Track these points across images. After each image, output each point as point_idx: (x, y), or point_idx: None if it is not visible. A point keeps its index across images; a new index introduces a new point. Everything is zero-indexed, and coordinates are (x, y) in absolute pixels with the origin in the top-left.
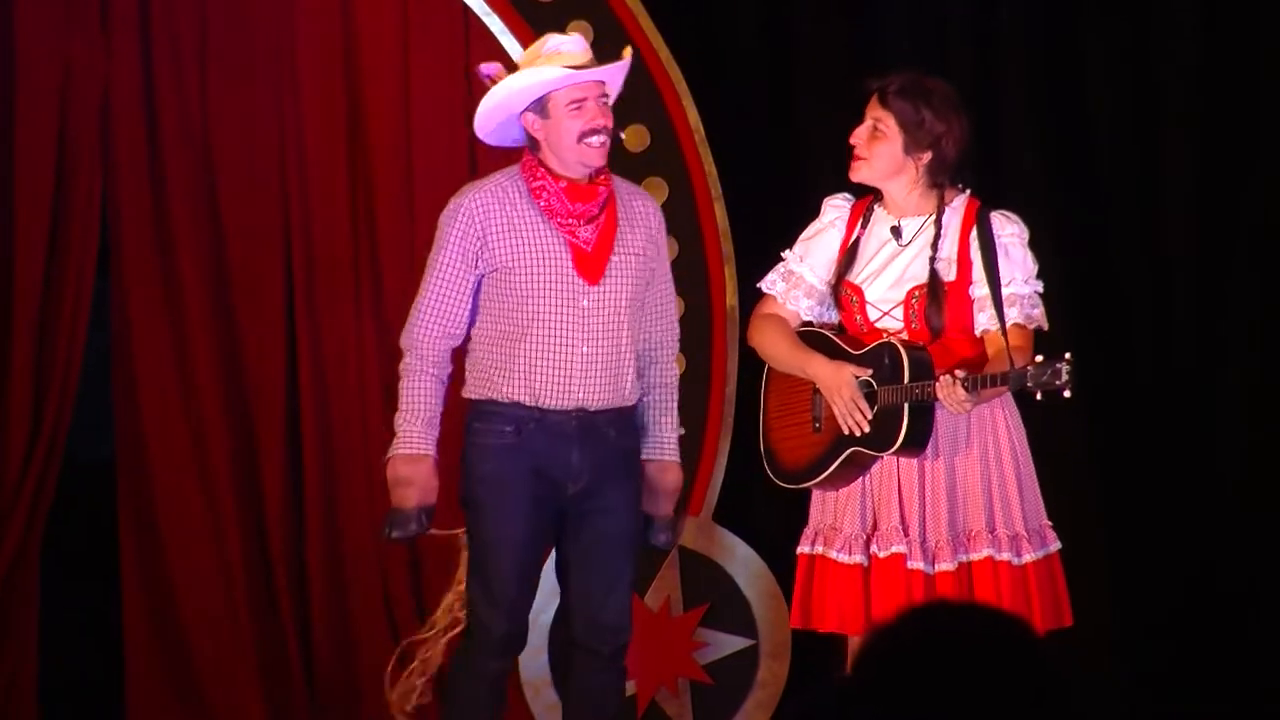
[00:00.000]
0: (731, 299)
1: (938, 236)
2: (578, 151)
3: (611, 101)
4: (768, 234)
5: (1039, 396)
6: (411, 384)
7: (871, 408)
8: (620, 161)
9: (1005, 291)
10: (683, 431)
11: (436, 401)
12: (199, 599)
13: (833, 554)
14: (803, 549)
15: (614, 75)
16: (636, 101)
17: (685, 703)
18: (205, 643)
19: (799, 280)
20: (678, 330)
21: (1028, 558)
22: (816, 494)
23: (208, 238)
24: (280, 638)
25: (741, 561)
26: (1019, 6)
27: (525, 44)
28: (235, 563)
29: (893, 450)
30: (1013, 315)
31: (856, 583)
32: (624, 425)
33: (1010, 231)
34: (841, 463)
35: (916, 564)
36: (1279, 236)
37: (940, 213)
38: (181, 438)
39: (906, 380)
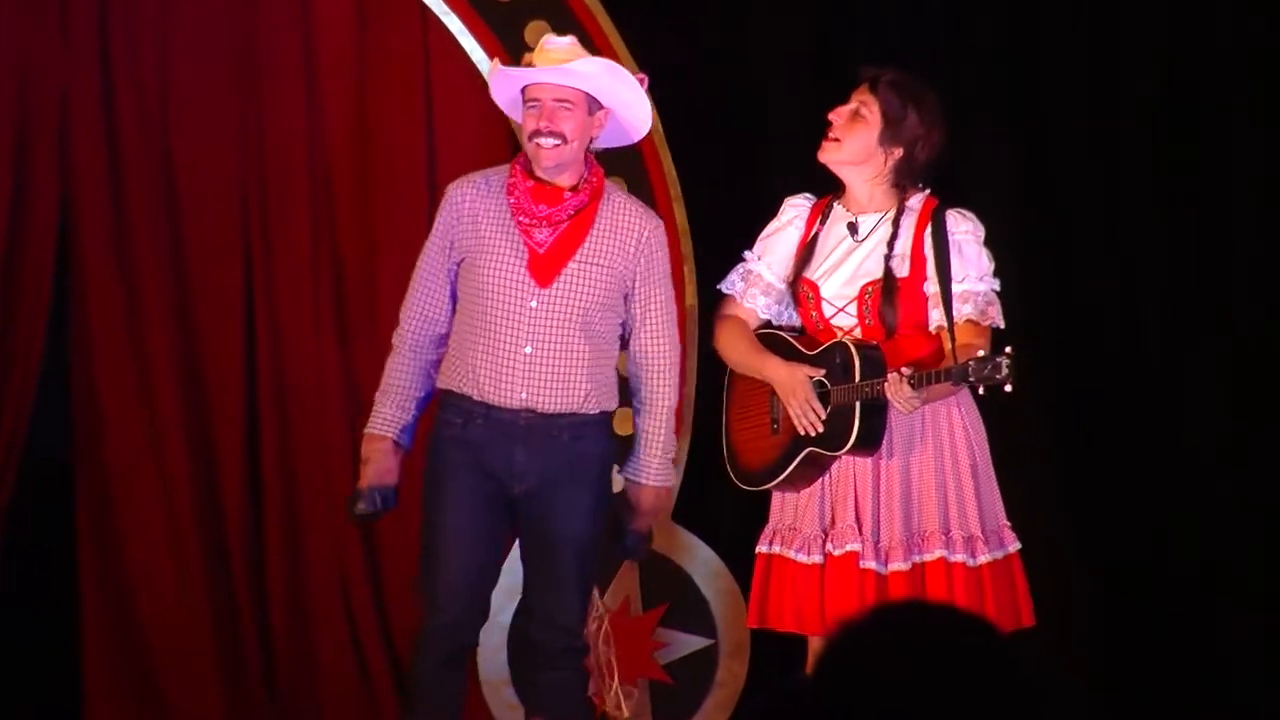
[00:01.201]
0: (691, 299)
1: (895, 233)
2: (530, 149)
3: (588, 106)
4: (727, 234)
5: (981, 391)
6: (390, 363)
7: (825, 407)
8: None
9: (959, 288)
10: (674, 455)
11: (410, 383)
12: (158, 598)
13: (790, 554)
14: (761, 548)
15: (536, 76)
16: None
17: (645, 702)
18: (164, 642)
19: (757, 279)
20: (676, 352)
21: (983, 559)
22: (777, 494)
23: (167, 239)
24: (239, 636)
25: (701, 561)
26: (981, 6)
27: (484, 43)
28: (194, 561)
29: (846, 449)
30: (966, 312)
31: (814, 583)
32: (583, 431)
33: (964, 229)
34: (799, 464)
35: (869, 563)
36: (1242, 230)
37: (900, 211)
38: (140, 437)
39: (858, 379)
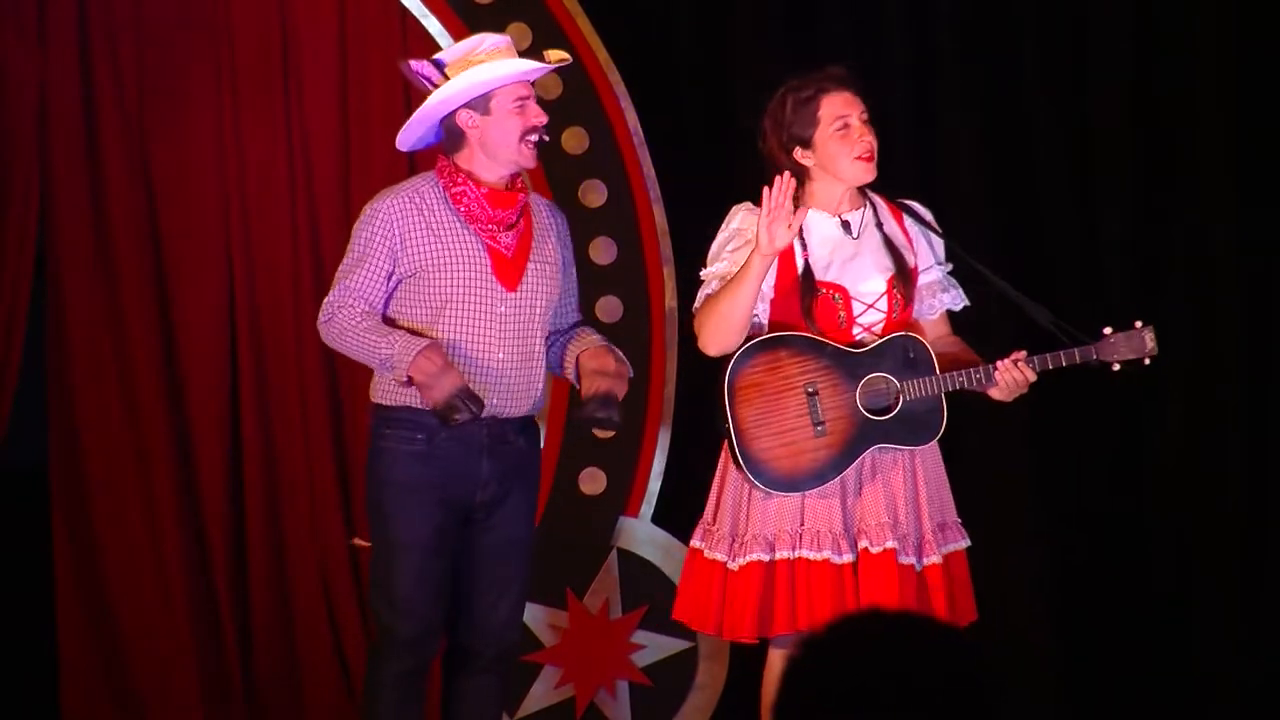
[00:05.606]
0: (670, 301)
1: (880, 224)
2: (516, 150)
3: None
4: (706, 236)
5: (1117, 368)
6: (356, 326)
7: (895, 405)
8: (559, 164)
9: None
10: (630, 370)
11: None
12: (136, 604)
13: (812, 555)
14: (760, 558)
15: (541, 74)
16: (575, 104)
17: (624, 705)
18: (142, 648)
19: None
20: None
21: (950, 547)
22: (756, 500)
23: (146, 241)
24: (219, 641)
25: (680, 563)
26: (957, 9)
27: None
28: (173, 566)
29: (932, 441)
30: (952, 299)
31: (845, 582)
32: (528, 432)
33: (928, 216)
34: (858, 461)
35: (908, 559)
36: (1209, 229)
37: (872, 203)
38: (118, 443)
39: (937, 370)
